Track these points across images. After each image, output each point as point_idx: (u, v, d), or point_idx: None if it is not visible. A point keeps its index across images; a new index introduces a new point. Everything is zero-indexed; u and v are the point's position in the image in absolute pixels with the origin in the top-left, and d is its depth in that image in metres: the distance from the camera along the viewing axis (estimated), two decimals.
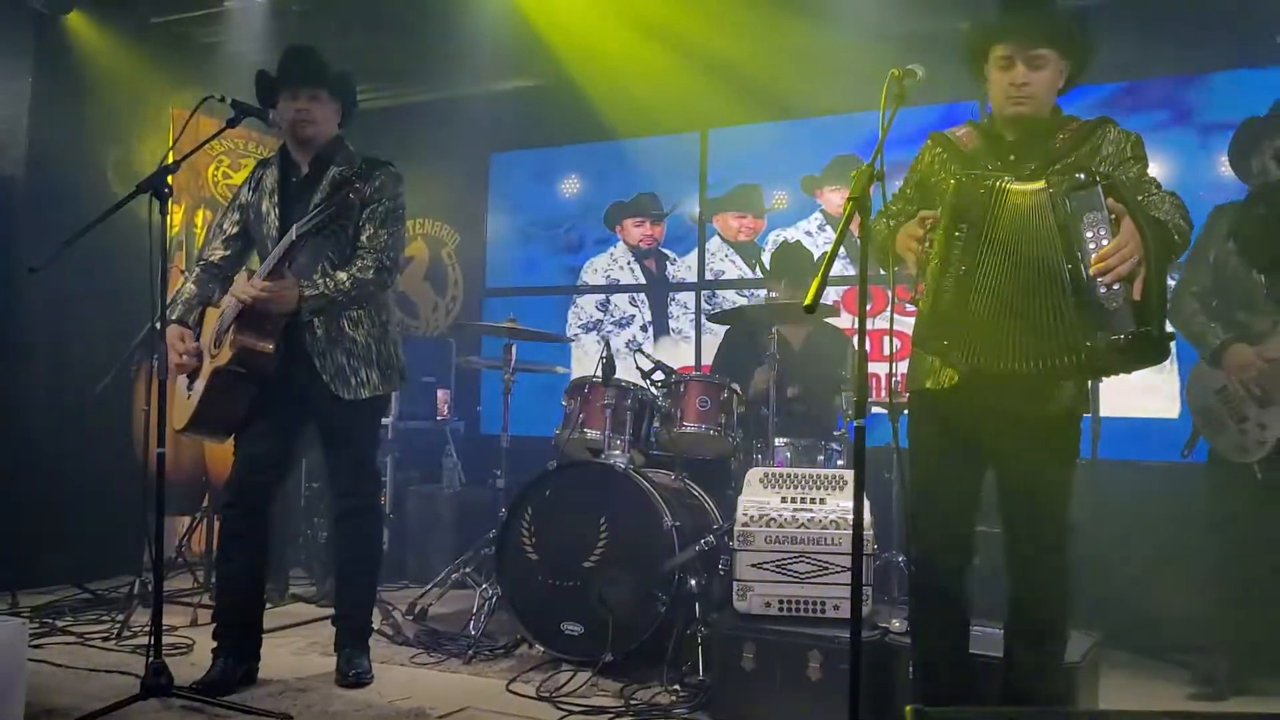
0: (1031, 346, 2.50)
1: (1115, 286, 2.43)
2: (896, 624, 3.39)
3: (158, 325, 3.44)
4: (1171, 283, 3.85)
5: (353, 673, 3.68)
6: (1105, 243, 2.44)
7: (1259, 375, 3.75)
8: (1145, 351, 2.45)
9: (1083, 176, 2.50)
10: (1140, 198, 2.58)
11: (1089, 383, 2.86)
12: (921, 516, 2.84)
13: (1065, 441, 2.79)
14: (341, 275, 3.55)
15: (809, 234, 6.04)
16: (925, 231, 2.67)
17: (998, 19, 2.81)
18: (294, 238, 3.38)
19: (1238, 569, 3.88)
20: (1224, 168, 4.92)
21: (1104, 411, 4.41)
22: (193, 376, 3.65)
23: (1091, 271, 2.43)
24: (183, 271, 4.43)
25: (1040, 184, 2.55)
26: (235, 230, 3.81)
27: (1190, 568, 4.17)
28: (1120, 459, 4.55)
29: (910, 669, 3.05)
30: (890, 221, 2.86)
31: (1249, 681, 3.86)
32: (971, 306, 2.56)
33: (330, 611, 3.94)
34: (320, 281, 3.51)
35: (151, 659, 3.26)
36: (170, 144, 5.52)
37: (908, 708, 2.48)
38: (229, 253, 3.81)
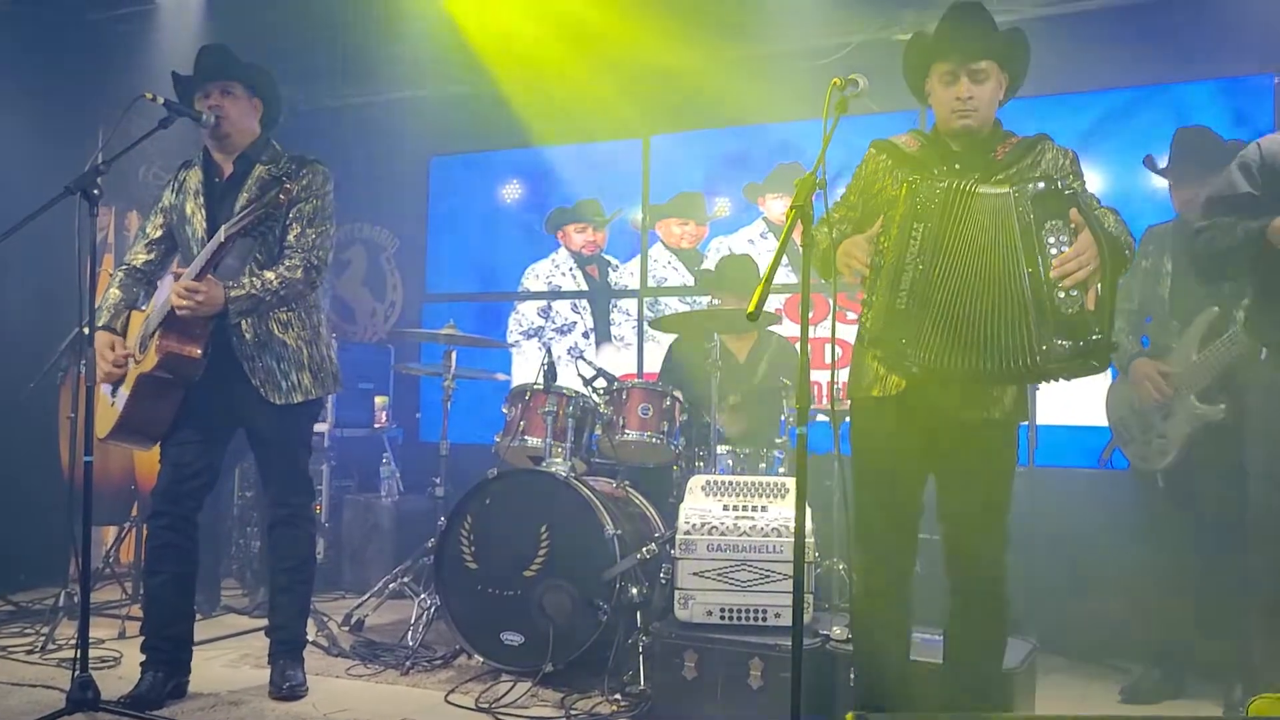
0: (987, 347, 2.55)
1: (1074, 293, 2.50)
2: (837, 631, 3.40)
3: (85, 330, 3.36)
4: None
5: (287, 685, 3.61)
6: (1065, 250, 2.52)
7: (1156, 386, 3.86)
8: (1096, 358, 2.52)
9: (1045, 185, 2.56)
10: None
11: (1026, 390, 2.91)
12: (865, 523, 2.86)
13: (1004, 448, 2.85)
14: (269, 275, 3.48)
15: (751, 241, 6.06)
16: (875, 237, 2.69)
17: (938, 35, 2.85)
18: (222, 239, 3.31)
19: (1153, 574, 4.00)
20: (1161, 182, 5.03)
21: (1040, 420, 4.47)
22: (117, 383, 3.56)
23: (1053, 275, 2.50)
24: (110, 274, 4.34)
25: (1006, 188, 2.60)
26: (159, 234, 3.73)
27: (1123, 573, 4.25)
28: (1057, 466, 4.62)
29: (851, 676, 3.06)
30: (833, 230, 2.89)
31: (1182, 686, 3.93)
32: (930, 305, 2.60)
33: (263, 623, 3.87)
34: (247, 281, 3.44)
35: (77, 673, 3.18)
36: (100, 144, 5.39)
37: (849, 714, 2.49)
38: (152, 256, 3.74)
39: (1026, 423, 2.88)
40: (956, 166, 2.80)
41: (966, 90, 2.78)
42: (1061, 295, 2.51)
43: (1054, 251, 2.53)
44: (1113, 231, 2.61)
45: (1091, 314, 2.50)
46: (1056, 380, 2.63)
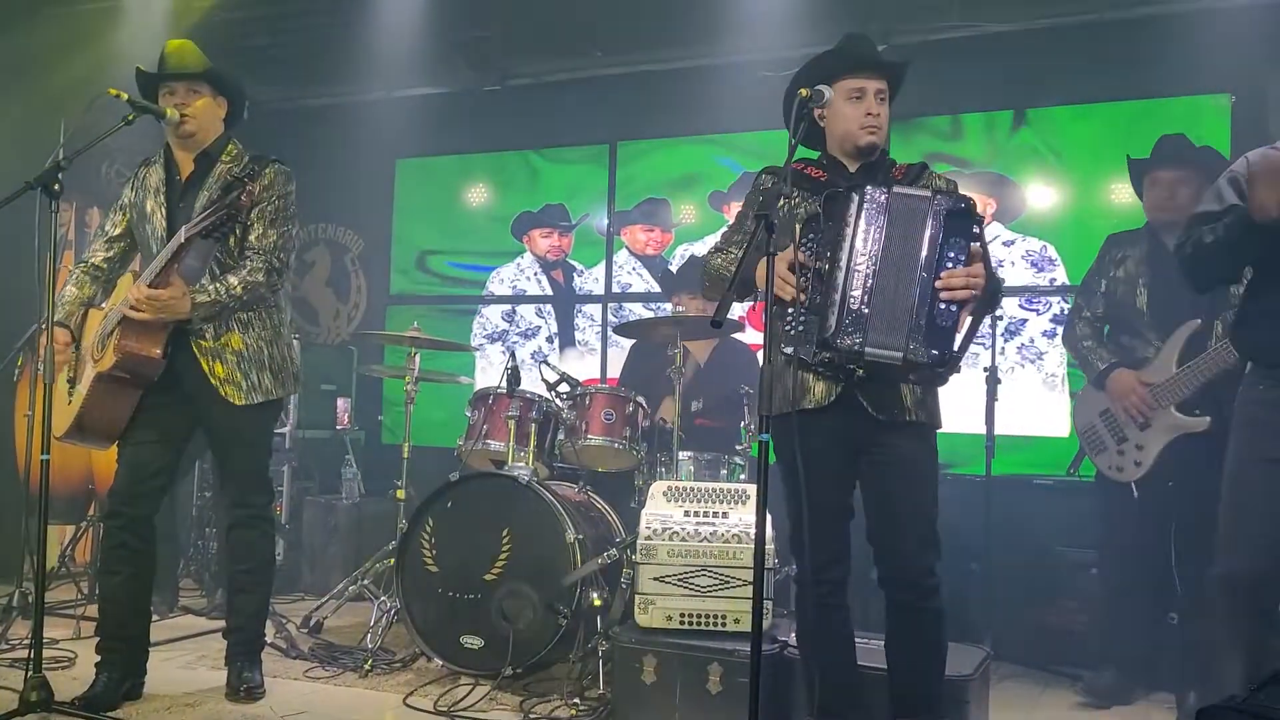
0: (893, 342, 2.66)
1: (952, 308, 2.66)
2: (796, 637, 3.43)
3: (44, 327, 3.32)
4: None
5: (244, 687, 3.58)
6: (960, 268, 2.67)
7: (1139, 399, 3.87)
8: (945, 373, 2.71)
9: (964, 206, 2.70)
10: None
11: (938, 395, 2.97)
12: (800, 535, 2.88)
13: (928, 452, 2.91)
14: (232, 279, 3.46)
15: None
16: (803, 252, 2.74)
17: (850, 54, 2.96)
18: (183, 239, 3.28)
19: (1118, 583, 4.04)
20: (1114, 195, 5.12)
21: (998, 430, 4.52)
22: (74, 382, 3.53)
23: (938, 285, 2.65)
24: (70, 271, 4.29)
25: (928, 192, 2.74)
26: (118, 231, 3.70)
27: (1078, 582, 4.31)
28: (1012, 475, 4.67)
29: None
30: (735, 252, 3.01)
31: (1133, 691, 4.00)
32: (876, 305, 2.68)
33: (221, 624, 3.84)
34: (211, 287, 3.41)
35: (31, 673, 3.14)
36: (62, 140, 5.33)
37: None
38: (111, 254, 3.70)
39: (941, 428, 2.97)
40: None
41: (875, 108, 2.91)
42: (942, 306, 2.66)
43: (949, 265, 2.68)
44: (995, 270, 2.77)
45: (956, 335, 2.67)
46: (901, 380, 2.81)
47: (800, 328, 2.73)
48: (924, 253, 2.67)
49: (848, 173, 2.96)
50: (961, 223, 2.69)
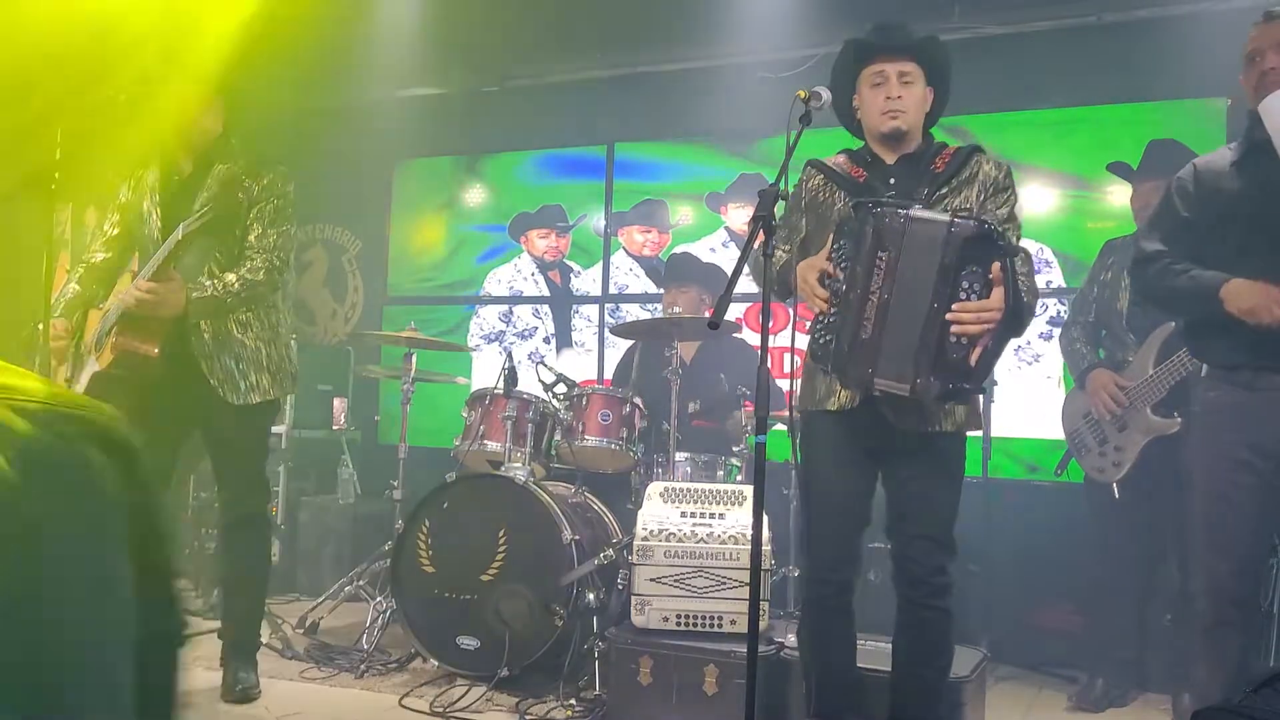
0: (903, 370, 2.60)
1: (964, 340, 2.55)
2: (792, 639, 3.43)
3: (40, 328, 3.32)
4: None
5: (239, 688, 3.58)
6: (974, 299, 2.56)
7: (1108, 396, 3.91)
8: (957, 400, 2.68)
9: (979, 228, 2.58)
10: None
11: (977, 402, 2.94)
12: (813, 534, 2.88)
13: (952, 461, 2.87)
14: (230, 277, 3.46)
15: (713, 250, 6.09)
16: (830, 263, 2.71)
17: (865, 42, 2.90)
18: (180, 236, 3.28)
19: (1108, 584, 4.07)
20: (1109, 198, 5.12)
21: (994, 432, 4.53)
22: (71, 381, 3.52)
23: (949, 318, 2.56)
24: (68, 270, 4.28)
25: (946, 216, 2.62)
26: (116, 231, 3.70)
27: (1075, 584, 4.31)
28: (1010, 478, 4.68)
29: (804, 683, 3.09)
30: (783, 248, 2.93)
31: (1126, 694, 4.00)
32: (887, 333, 2.63)
33: (216, 625, 3.83)
34: (209, 284, 3.42)
35: None
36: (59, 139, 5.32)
37: None
38: (110, 254, 3.71)
39: (979, 432, 2.92)
40: (892, 181, 2.83)
41: (896, 90, 2.82)
42: (952, 339, 2.56)
43: (963, 296, 2.57)
44: (1022, 290, 2.66)
45: (970, 368, 2.57)
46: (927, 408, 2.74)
47: (825, 338, 2.71)
48: (935, 283, 2.56)
49: (885, 165, 2.88)
50: (979, 249, 2.55)
